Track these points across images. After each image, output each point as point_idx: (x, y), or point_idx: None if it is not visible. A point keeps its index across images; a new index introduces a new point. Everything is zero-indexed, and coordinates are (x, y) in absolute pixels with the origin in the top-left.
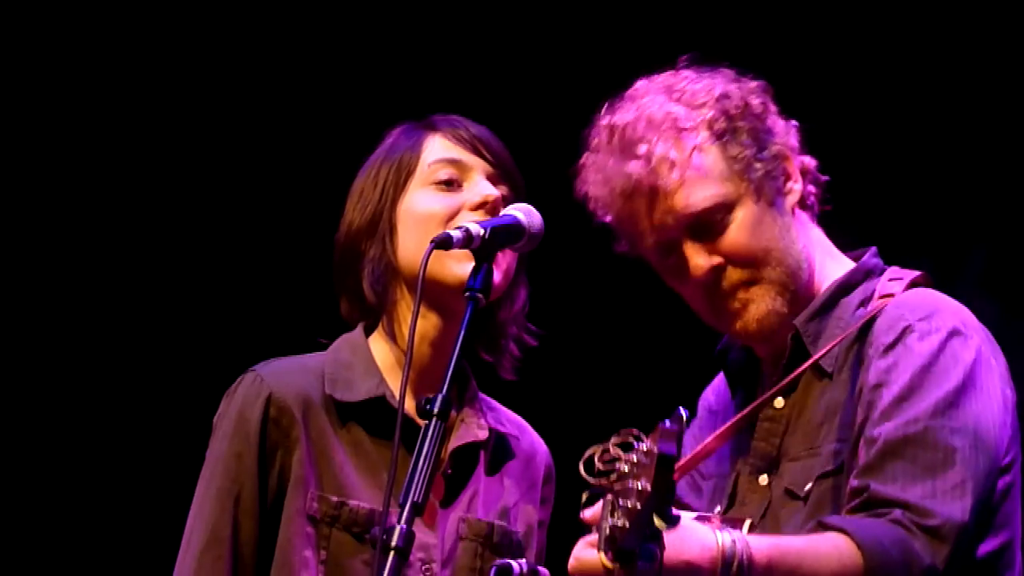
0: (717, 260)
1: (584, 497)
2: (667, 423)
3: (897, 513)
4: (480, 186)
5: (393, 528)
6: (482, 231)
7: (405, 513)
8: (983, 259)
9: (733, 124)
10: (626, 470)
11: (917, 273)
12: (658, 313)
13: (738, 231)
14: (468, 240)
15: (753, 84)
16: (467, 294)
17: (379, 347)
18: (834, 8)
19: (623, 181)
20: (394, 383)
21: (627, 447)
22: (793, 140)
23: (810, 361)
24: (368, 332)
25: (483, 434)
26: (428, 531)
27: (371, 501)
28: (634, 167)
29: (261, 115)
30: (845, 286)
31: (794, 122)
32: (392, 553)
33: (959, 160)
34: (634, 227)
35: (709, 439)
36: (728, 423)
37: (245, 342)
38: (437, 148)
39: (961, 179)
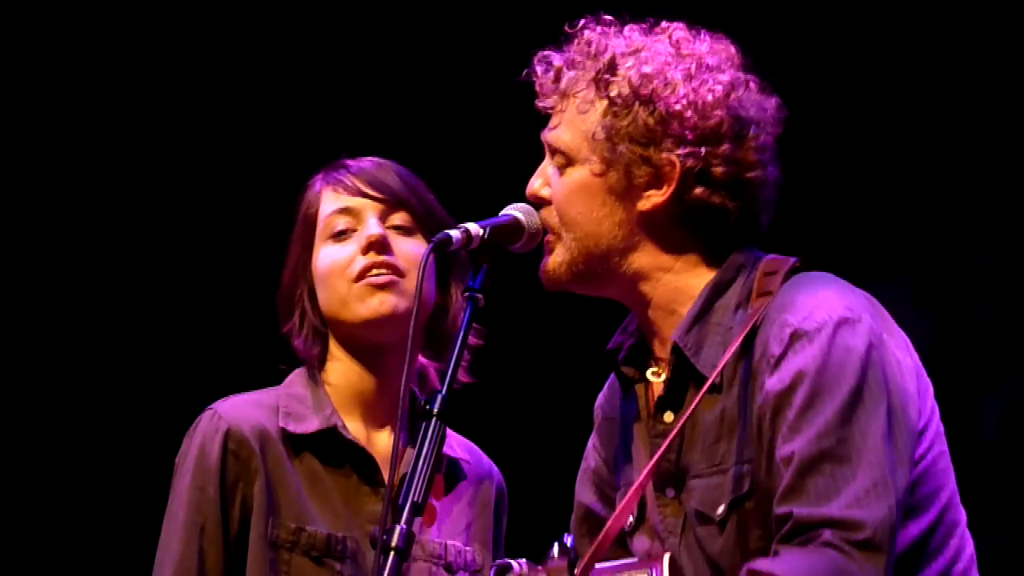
0: (547, 193)
1: None
2: (554, 555)
3: (826, 534)
4: (367, 228)
5: (393, 528)
6: (481, 231)
7: (405, 513)
8: (983, 262)
9: (632, 102)
10: None
11: (792, 260)
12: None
13: (562, 184)
14: (467, 240)
15: (718, 87)
16: (466, 294)
17: (330, 382)
18: (840, 14)
19: (539, 86)
20: (345, 416)
21: None
22: (718, 167)
23: (705, 387)
24: (321, 367)
25: None
26: None
27: (327, 527)
28: (546, 80)
29: (227, 153)
30: (717, 287)
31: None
32: (392, 553)
33: (956, 164)
34: None
35: (628, 495)
36: (642, 475)
37: (211, 375)
38: (328, 201)
39: (961, 183)
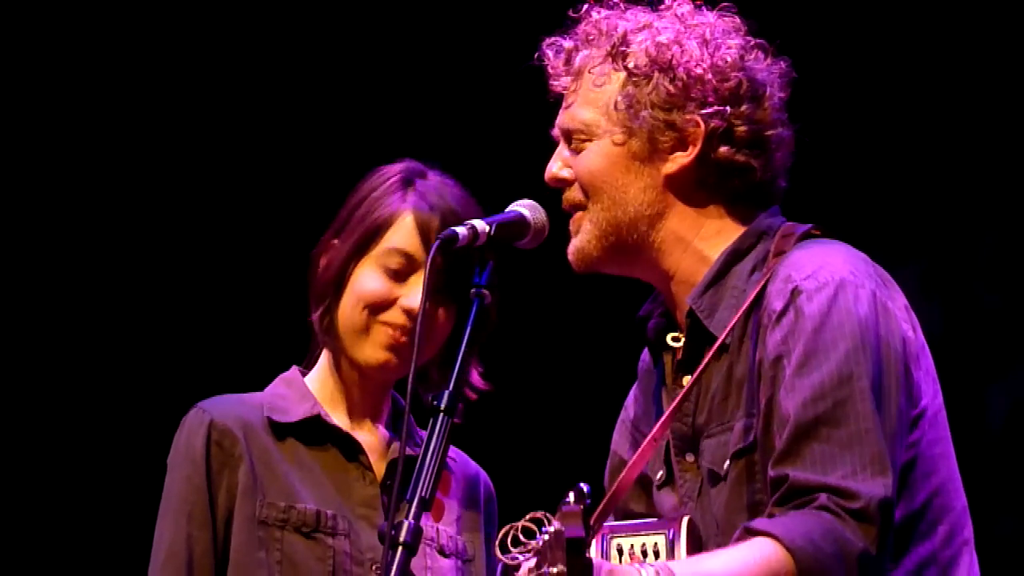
0: (565, 173)
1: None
2: (570, 501)
3: (822, 498)
4: (415, 295)
5: (401, 524)
6: (487, 227)
7: (413, 508)
8: (991, 249)
9: (651, 71)
10: (539, 548)
11: (808, 226)
12: (607, 337)
13: (585, 158)
14: (473, 237)
15: (732, 50)
16: (472, 291)
17: (314, 382)
18: (844, 5)
19: (551, 70)
20: (329, 408)
21: (539, 524)
22: (741, 127)
23: (715, 346)
24: (304, 373)
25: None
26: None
27: (316, 504)
28: (558, 63)
29: (236, 149)
30: (736, 252)
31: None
32: (400, 548)
33: (965, 152)
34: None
35: (641, 448)
36: (654, 429)
37: (206, 378)
38: (401, 234)
39: (970, 170)
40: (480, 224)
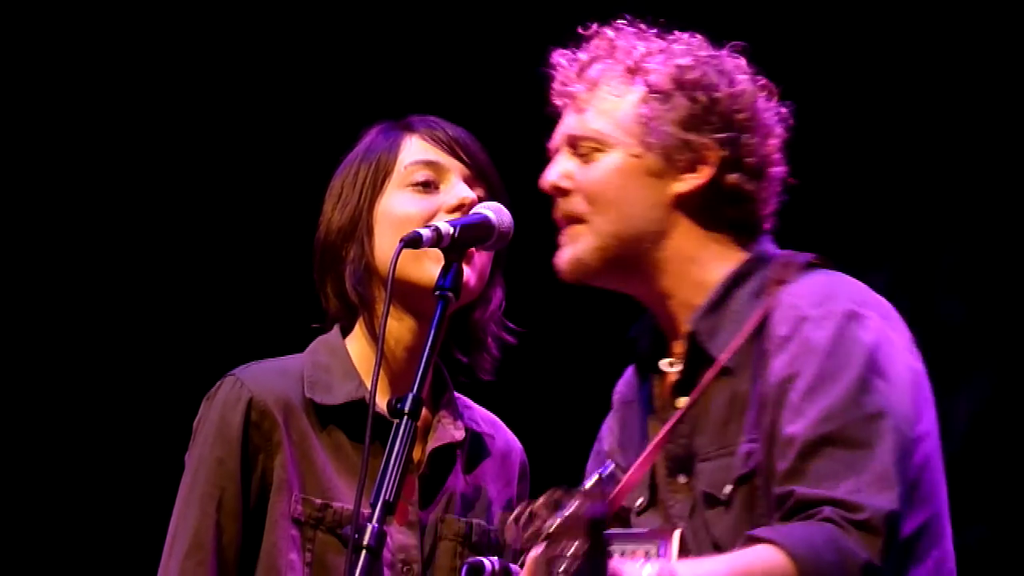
0: (566, 183)
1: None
2: (590, 483)
3: (827, 510)
4: (457, 188)
5: (365, 527)
6: (452, 230)
7: (376, 512)
8: (952, 260)
9: (671, 91)
10: (555, 531)
11: (810, 255)
12: (633, 310)
13: (596, 169)
14: (438, 239)
15: (744, 84)
16: (437, 293)
17: (356, 348)
18: (813, 11)
19: (561, 78)
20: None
21: (555, 506)
22: (749, 157)
23: (715, 369)
24: (344, 333)
25: (460, 435)
26: (408, 532)
27: (353, 501)
28: (571, 72)
29: (239, 123)
30: (737, 277)
31: (778, 162)
32: (364, 552)
33: (929, 161)
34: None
35: (634, 467)
36: (648, 448)
37: (225, 343)
38: (414, 149)
39: (931, 180)
40: (444, 226)
